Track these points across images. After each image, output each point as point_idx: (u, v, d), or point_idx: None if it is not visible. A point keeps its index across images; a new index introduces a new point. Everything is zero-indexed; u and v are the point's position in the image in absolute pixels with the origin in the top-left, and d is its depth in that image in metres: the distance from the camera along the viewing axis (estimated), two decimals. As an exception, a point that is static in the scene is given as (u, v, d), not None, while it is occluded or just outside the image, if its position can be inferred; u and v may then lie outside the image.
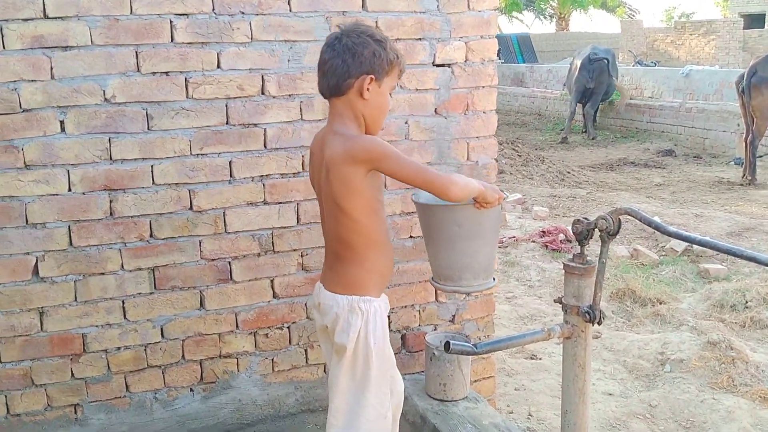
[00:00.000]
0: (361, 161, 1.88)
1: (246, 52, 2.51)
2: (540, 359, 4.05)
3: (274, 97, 2.58)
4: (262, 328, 2.72)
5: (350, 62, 1.90)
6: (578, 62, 14.06)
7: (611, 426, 3.31)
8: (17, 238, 2.37)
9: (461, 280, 2.14)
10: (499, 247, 5.75)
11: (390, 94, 2.02)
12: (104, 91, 2.38)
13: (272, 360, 2.75)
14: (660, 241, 6.09)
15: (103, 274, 2.48)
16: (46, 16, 2.27)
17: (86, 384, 2.54)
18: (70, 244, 2.43)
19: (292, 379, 2.80)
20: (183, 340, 2.62)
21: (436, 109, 2.80)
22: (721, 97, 12.95)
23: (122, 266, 2.50)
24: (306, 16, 2.56)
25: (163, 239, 2.53)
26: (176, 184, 2.51)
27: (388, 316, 2.25)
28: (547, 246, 6.00)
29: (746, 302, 4.69)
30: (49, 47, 2.30)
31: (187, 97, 2.47)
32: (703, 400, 3.48)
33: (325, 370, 2.81)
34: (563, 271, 2.17)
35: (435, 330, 2.94)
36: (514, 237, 6.20)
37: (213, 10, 2.45)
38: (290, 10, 2.53)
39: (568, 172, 9.94)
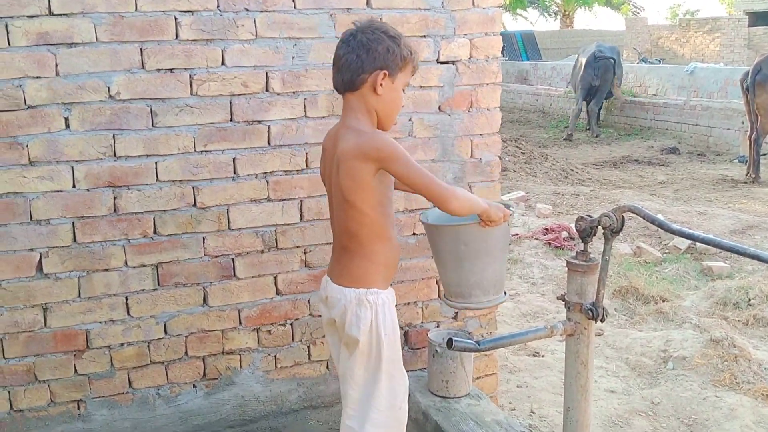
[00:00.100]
0: (371, 159, 1.90)
1: (250, 49, 2.51)
2: (542, 356, 4.05)
3: (278, 94, 2.58)
4: (265, 325, 2.72)
5: (364, 58, 1.92)
6: (583, 60, 14.00)
7: (613, 423, 3.31)
8: (21, 234, 2.38)
9: (471, 297, 2.15)
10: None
11: (404, 90, 2.03)
12: (109, 88, 2.38)
13: (275, 356, 2.76)
14: (663, 239, 6.09)
15: (106, 270, 2.49)
16: (51, 13, 2.28)
17: (89, 380, 2.54)
18: (74, 240, 2.44)
19: (295, 375, 2.80)
20: (186, 337, 2.63)
21: (440, 106, 2.80)
22: (725, 95, 12.93)
23: (126, 263, 2.51)
24: (310, 13, 2.56)
25: (166, 236, 2.54)
26: (180, 180, 2.52)
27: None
28: (550, 243, 6.00)
29: (749, 300, 4.69)
30: (54, 44, 2.30)
31: (191, 94, 2.47)
32: (706, 397, 3.48)
33: (327, 367, 2.82)
34: (566, 268, 2.17)
35: (437, 327, 2.95)
36: (517, 234, 6.19)
37: (218, 7, 2.45)
38: (295, 7, 2.54)
39: (572, 170, 9.92)
